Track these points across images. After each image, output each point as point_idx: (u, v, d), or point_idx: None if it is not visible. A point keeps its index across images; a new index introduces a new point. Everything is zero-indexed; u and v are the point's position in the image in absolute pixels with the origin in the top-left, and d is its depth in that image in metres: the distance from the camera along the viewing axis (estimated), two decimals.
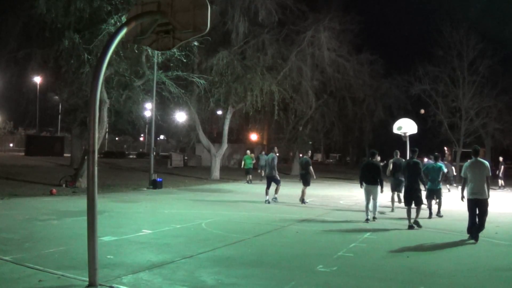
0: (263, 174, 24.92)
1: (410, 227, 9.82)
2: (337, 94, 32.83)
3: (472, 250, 7.95)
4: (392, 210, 13.13)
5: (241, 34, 24.30)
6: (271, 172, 14.29)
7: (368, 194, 10.78)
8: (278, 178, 14.38)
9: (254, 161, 24.19)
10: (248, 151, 24.62)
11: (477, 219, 8.45)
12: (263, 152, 26.63)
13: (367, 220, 10.62)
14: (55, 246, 7.05)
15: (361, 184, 11.01)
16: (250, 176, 23.41)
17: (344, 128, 36.43)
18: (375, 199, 10.75)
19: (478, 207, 8.42)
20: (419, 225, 9.92)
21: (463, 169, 8.68)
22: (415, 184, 10.07)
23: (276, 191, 14.40)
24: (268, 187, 14.29)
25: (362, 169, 11.09)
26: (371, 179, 10.71)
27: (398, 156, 13.49)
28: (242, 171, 25.05)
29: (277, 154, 15.01)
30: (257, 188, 20.25)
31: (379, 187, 10.70)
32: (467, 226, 8.65)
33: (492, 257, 7.36)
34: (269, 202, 13.95)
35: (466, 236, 8.67)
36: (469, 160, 8.82)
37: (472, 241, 8.46)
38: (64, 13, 15.24)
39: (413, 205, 10.00)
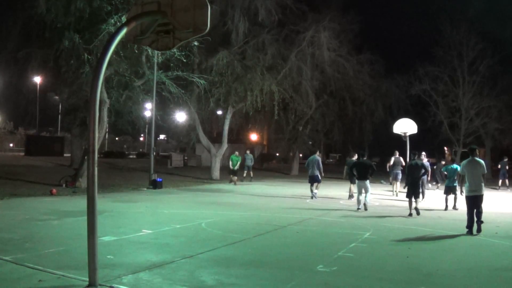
0: (251, 174, 24.93)
1: (410, 215, 11.54)
2: (337, 94, 32.76)
3: (472, 250, 7.95)
4: (393, 195, 17.17)
5: (241, 34, 24.28)
6: (314, 172, 15.68)
7: (360, 188, 12.57)
8: (320, 178, 15.86)
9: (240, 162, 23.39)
10: (237, 152, 24.13)
11: (475, 213, 9.02)
12: (248, 151, 26.55)
13: (358, 209, 12.43)
14: (55, 246, 7.04)
15: (354, 177, 12.99)
16: (235, 177, 22.65)
17: (344, 128, 36.34)
18: (367, 191, 12.60)
19: (476, 203, 9.02)
20: (418, 213, 11.59)
21: (461, 167, 9.41)
22: (417, 182, 11.81)
23: (317, 187, 15.96)
24: (312, 185, 15.85)
25: (356, 167, 12.79)
26: (364, 175, 12.46)
27: (397, 155, 17.48)
28: (242, 172, 24.93)
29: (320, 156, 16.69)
30: (257, 188, 20.28)
31: (368, 181, 12.60)
32: (466, 223, 9.15)
33: (492, 257, 7.36)
34: (312, 198, 15.59)
35: (466, 236, 8.93)
36: (466, 159, 9.33)
37: (471, 235, 8.91)
38: (64, 13, 15.25)
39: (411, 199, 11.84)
